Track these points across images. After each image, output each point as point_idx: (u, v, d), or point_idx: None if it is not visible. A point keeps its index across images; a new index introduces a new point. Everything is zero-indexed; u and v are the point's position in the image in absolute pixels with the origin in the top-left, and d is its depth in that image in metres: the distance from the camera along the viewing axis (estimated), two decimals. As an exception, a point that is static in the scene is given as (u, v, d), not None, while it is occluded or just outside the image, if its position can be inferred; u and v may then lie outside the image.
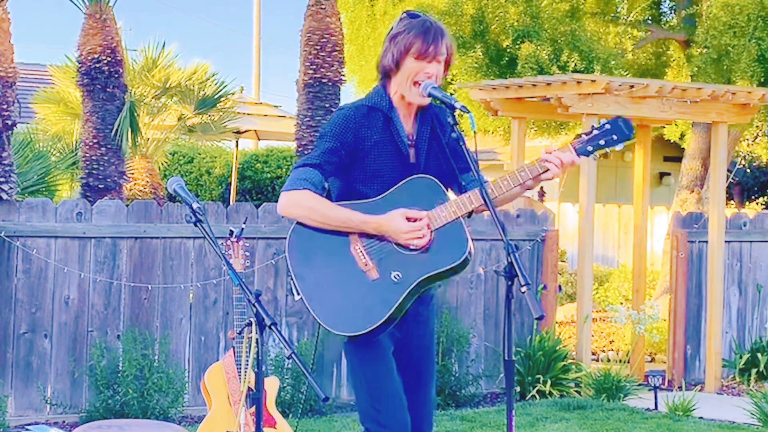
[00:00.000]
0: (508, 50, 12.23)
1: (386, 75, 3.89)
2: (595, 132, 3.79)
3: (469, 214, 3.79)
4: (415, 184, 3.84)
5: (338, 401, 8.01)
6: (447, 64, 3.88)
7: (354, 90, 15.11)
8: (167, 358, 7.53)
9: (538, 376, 8.40)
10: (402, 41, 3.82)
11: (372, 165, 3.85)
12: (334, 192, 3.92)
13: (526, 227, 8.88)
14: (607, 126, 3.79)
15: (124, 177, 9.21)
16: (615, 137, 3.77)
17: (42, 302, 7.37)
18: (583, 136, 3.79)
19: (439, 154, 3.94)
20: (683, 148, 14.69)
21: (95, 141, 8.90)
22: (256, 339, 3.48)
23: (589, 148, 3.77)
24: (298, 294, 3.77)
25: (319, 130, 3.88)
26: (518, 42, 12.05)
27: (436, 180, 3.85)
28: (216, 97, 13.25)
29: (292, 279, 3.78)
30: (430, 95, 3.81)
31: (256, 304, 3.47)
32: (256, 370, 3.50)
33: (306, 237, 3.80)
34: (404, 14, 3.92)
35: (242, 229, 5.65)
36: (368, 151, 3.84)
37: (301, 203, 3.78)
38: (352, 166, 3.86)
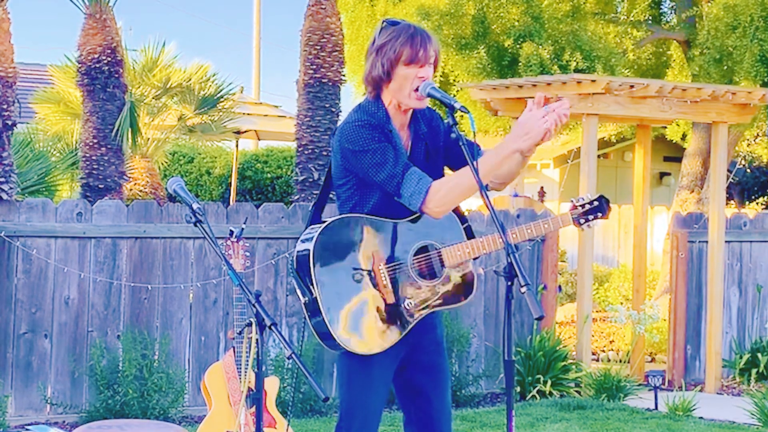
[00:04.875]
0: (510, 50, 12.22)
1: (377, 87, 3.87)
2: (588, 206, 4.02)
3: (475, 258, 3.93)
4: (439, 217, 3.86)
5: (338, 401, 8.00)
6: (435, 66, 3.88)
7: (354, 90, 15.10)
8: (167, 358, 7.53)
9: (538, 376, 8.40)
10: (390, 50, 3.80)
11: None
12: (345, 194, 3.87)
13: (526, 227, 8.86)
14: (596, 203, 4.03)
15: (124, 177, 9.20)
16: (600, 214, 4.03)
17: (42, 302, 7.37)
18: (579, 207, 4.02)
19: (434, 168, 3.92)
20: (683, 148, 14.69)
21: (95, 141, 8.89)
22: (256, 339, 3.48)
23: (582, 220, 4.02)
24: (305, 296, 3.75)
25: (350, 146, 3.73)
26: (520, 42, 12.03)
27: (456, 216, 3.92)
28: (216, 97, 13.25)
29: (311, 281, 3.73)
30: (429, 95, 3.80)
31: (256, 304, 3.47)
32: (256, 370, 3.50)
33: (332, 245, 3.78)
34: (384, 23, 3.89)
35: (242, 229, 5.65)
36: None
37: (444, 195, 3.73)
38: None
